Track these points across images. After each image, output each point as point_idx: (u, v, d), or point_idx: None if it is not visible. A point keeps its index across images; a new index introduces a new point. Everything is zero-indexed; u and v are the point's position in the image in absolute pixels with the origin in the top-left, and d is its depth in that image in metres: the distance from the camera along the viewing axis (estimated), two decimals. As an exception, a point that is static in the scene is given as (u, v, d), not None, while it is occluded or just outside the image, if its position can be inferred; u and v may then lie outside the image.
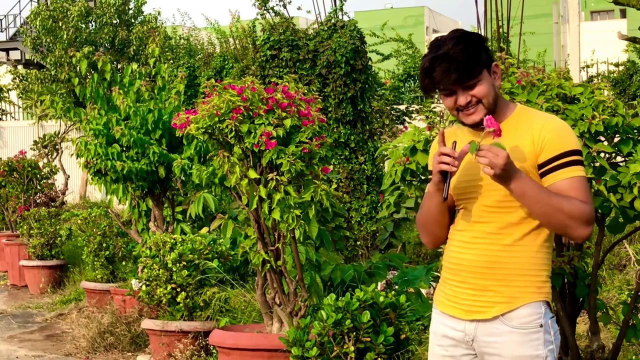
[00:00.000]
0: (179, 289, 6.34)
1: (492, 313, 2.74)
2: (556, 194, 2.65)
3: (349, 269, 6.32)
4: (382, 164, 9.86)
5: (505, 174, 2.60)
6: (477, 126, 2.73)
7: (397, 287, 6.20)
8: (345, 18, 10.26)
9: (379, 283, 6.30)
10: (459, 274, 2.81)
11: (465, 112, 2.73)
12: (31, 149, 19.22)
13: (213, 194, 5.61)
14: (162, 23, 22.05)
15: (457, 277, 2.81)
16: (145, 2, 21.04)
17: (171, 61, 19.38)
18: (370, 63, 9.90)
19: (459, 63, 2.65)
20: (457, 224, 2.85)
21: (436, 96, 3.10)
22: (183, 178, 7.22)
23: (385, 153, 4.37)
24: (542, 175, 2.72)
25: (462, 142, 2.73)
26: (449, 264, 2.86)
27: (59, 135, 19.56)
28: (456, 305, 2.82)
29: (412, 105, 14.05)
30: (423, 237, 2.96)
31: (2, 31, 26.91)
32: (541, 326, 2.73)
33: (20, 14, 27.01)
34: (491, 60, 2.74)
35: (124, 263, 8.79)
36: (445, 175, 2.68)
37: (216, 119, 4.71)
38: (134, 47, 20.28)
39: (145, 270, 6.53)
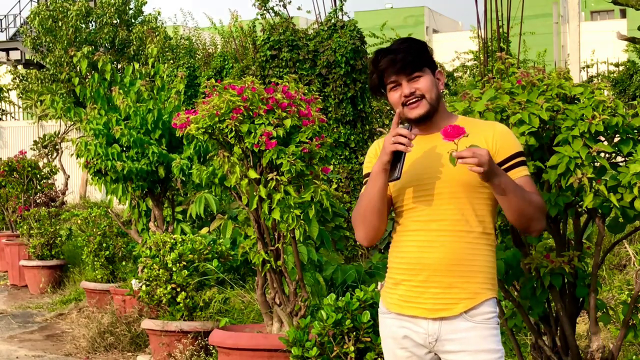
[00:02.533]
0: (179, 289, 6.34)
1: (458, 310, 2.80)
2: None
3: (351, 269, 6.33)
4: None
5: (491, 170, 2.70)
6: (421, 121, 2.86)
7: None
8: (345, 18, 10.26)
9: (379, 283, 6.29)
10: (419, 274, 2.83)
11: (410, 105, 2.85)
12: (31, 149, 19.24)
13: (213, 194, 5.61)
14: (163, 23, 22.06)
15: (418, 278, 2.83)
16: (146, 2, 21.04)
17: (171, 61, 19.38)
18: (370, 63, 9.89)
19: (405, 53, 2.84)
20: (408, 225, 2.87)
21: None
22: (183, 178, 7.21)
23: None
24: None
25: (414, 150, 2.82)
26: (406, 265, 2.86)
27: (59, 135, 19.57)
28: (418, 305, 2.84)
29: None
30: (360, 232, 2.92)
31: (2, 31, 26.94)
32: (498, 323, 2.86)
33: (20, 14, 27.04)
34: (435, 66, 2.92)
35: (124, 263, 8.79)
36: (398, 156, 2.76)
37: (216, 119, 4.71)
38: (134, 47, 20.29)
39: (145, 270, 6.53)
